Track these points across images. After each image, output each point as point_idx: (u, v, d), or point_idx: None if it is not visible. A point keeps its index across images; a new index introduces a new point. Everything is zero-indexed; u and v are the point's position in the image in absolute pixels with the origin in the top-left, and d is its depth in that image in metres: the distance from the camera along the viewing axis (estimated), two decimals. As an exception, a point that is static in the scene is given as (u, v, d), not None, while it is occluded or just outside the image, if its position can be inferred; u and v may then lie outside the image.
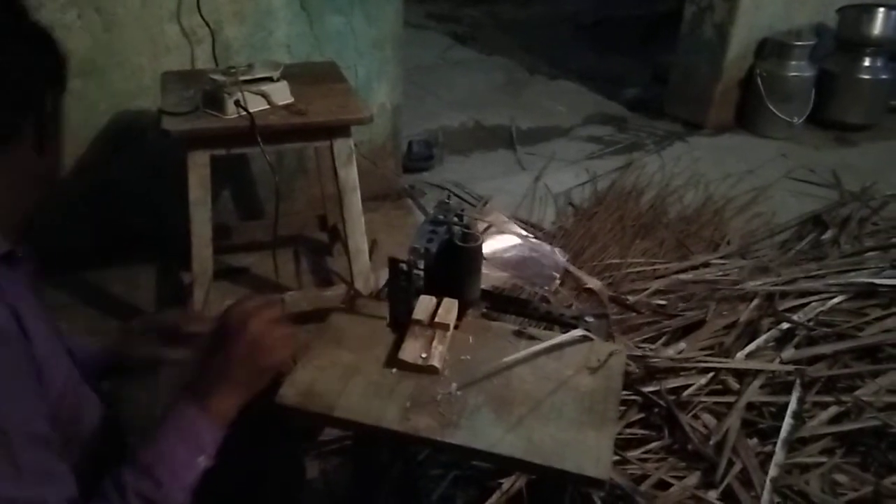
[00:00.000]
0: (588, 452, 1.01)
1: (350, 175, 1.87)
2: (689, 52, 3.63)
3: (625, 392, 1.77)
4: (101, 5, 2.08)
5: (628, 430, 1.72)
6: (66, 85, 0.84)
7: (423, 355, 1.13)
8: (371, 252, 2.35)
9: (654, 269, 2.34)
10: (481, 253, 1.21)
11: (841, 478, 1.65)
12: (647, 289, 2.19)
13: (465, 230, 1.19)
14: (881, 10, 3.50)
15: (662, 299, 2.16)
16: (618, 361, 1.18)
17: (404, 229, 2.62)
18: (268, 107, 1.78)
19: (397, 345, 1.16)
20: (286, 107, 1.80)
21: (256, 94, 1.77)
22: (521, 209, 2.84)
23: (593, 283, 1.29)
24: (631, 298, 2.16)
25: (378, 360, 1.15)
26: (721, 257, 2.43)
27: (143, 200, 2.33)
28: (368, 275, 2.00)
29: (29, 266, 0.87)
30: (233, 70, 1.76)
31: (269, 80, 1.81)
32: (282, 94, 1.82)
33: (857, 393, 1.81)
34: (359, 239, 1.95)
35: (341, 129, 1.81)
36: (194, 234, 1.84)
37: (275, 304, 1.01)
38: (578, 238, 2.56)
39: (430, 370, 1.12)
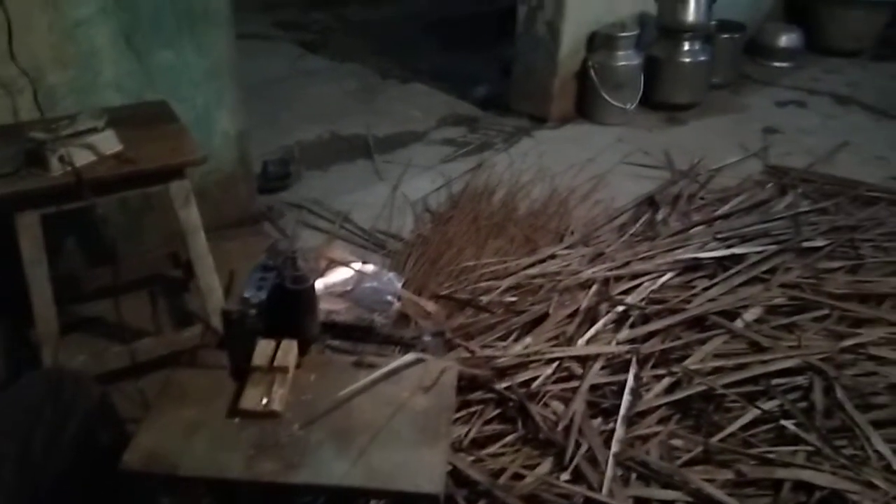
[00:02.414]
0: (423, 471, 1.10)
1: (191, 216, 1.87)
2: (526, 50, 3.81)
3: (480, 392, 1.89)
4: None
5: (487, 428, 1.83)
6: None
7: (264, 401, 1.18)
8: (230, 284, 2.36)
9: (506, 267, 2.47)
10: (314, 292, 1.27)
11: (677, 442, 1.84)
12: (499, 287, 2.33)
13: (295, 273, 1.25)
14: (692, -1, 3.82)
15: (513, 296, 2.31)
16: (449, 377, 1.28)
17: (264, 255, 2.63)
18: (95, 158, 1.75)
19: (239, 393, 1.21)
20: (115, 155, 1.78)
21: (82, 146, 1.73)
22: (380, 220, 2.92)
23: (428, 305, 1.38)
24: (485, 299, 2.29)
25: (221, 412, 1.19)
26: (566, 248, 2.60)
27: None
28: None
29: None
30: (54, 126, 1.72)
31: (94, 130, 1.78)
32: (109, 143, 1.79)
33: (686, 362, 2.01)
34: (209, 277, 1.96)
35: (175, 173, 1.81)
36: (34, 295, 1.79)
37: None
38: (436, 244, 2.67)
39: (272, 415, 1.17)
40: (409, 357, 1.25)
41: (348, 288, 1.43)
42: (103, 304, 2.32)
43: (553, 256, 2.54)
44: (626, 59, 3.75)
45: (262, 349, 1.23)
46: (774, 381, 1.97)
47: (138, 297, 2.35)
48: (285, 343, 1.25)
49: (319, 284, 1.51)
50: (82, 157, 1.73)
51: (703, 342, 2.11)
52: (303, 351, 1.28)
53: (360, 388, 1.21)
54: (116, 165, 1.75)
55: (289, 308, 1.24)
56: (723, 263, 2.46)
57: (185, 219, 1.87)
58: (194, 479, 1.08)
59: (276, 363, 1.21)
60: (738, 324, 2.17)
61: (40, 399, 1.07)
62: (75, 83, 2.24)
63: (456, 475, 1.62)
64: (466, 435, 1.78)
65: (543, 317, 2.14)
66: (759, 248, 2.52)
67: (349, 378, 1.25)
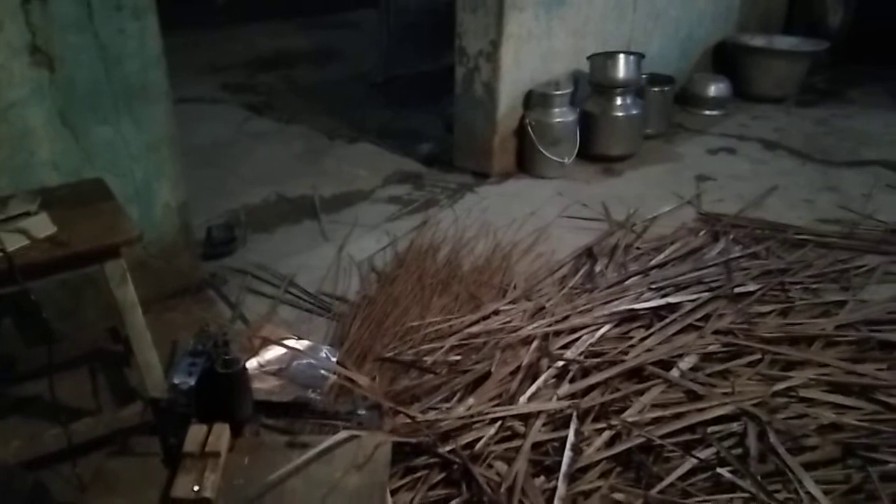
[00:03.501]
0: (356, 552, 1.11)
1: (127, 294, 1.87)
2: (465, 109, 3.93)
3: (424, 457, 1.91)
4: None
5: (432, 493, 1.84)
6: None
7: (196, 488, 1.18)
8: (172, 355, 2.34)
9: (450, 326, 2.51)
10: (245, 374, 1.29)
11: (618, 496, 1.87)
12: (442, 347, 2.36)
13: (225, 357, 1.26)
14: (622, 55, 4.00)
15: (457, 354, 2.34)
16: (383, 453, 1.30)
17: (198, 328, 2.62)
18: (27, 242, 1.75)
19: (171, 481, 1.20)
20: (49, 238, 1.78)
21: (14, 231, 1.73)
22: (326, 282, 2.94)
23: (361, 379, 1.40)
24: (429, 359, 2.32)
25: (153, 502, 1.18)
26: (508, 303, 2.65)
27: None
28: (164, 388, 2.00)
29: None
30: (-17, 211, 1.72)
31: (27, 214, 1.78)
32: (42, 226, 1.79)
33: (625, 414, 2.06)
34: (148, 354, 1.95)
35: (110, 253, 1.81)
36: (-35, 382, 1.76)
37: None
38: (381, 304, 2.70)
39: (204, 503, 1.17)
40: (342, 435, 1.27)
41: (283, 366, 1.45)
42: (42, 384, 2.28)
43: (496, 312, 2.59)
44: (562, 115, 3.89)
45: (194, 435, 1.24)
46: (711, 429, 2.04)
47: (78, 375, 2.32)
48: (217, 427, 1.25)
49: (253, 363, 1.52)
50: (14, 242, 1.72)
51: (641, 393, 2.17)
52: (236, 433, 1.29)
53: (291, 471, 1.22)
54: (50, 249, 1.75)
55: (220, 392, 1.26)
56: (658, 313, 2.54)
57: (122, 297, 1.87)
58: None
59: (207, 448, 1.22)
60: (675, 372, 2.23)
61: None
62: (8, 163, 2.24)
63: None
64: (412, 502, 1.79)
65: (486, 375, 2.17)
66: (693, 296, 2.61)
67: (282, 459, 1.26)
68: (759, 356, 2.34)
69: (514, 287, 2.80)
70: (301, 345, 1.48)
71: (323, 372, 1.44)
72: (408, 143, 4.52)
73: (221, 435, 1.24)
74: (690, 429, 2.04)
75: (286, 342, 1.43)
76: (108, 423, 1.96)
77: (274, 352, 1.52)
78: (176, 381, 1.19)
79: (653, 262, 2.95)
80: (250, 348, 1.35)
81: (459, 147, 4.07)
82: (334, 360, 1.48)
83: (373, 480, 1.23)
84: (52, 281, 1.89)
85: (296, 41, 7.17)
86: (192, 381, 1.19)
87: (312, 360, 1.46)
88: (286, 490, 1.20)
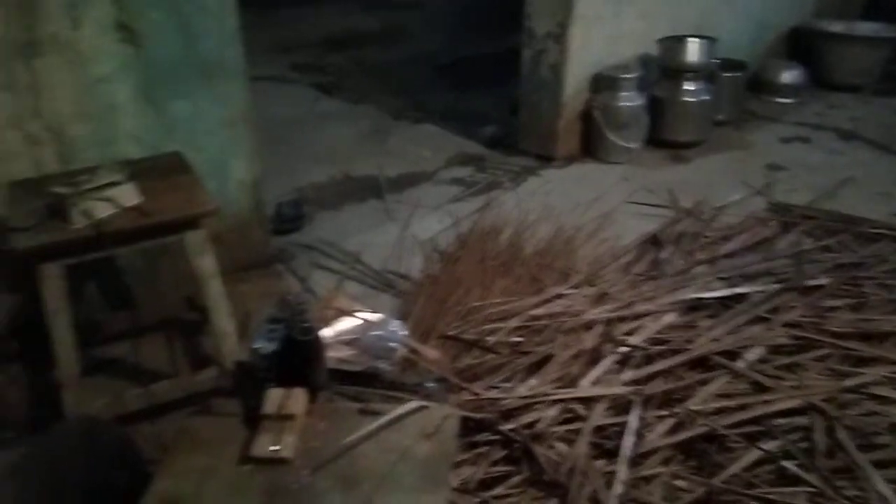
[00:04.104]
0: (424, 517, 1.15)
1: (206, 264, 1.95)
2: (531, 91, 3.91)
3: (486, 433, 1.94)
4: (-67, 120, 2.08)
5: (494, 469, 1.87)
6: None
7: (274, 448, 1.24)
8: (245, 326, 2.43)
9: (512, 307, 2.53)
10: (321, 343, 1.34)
11: (680, 483, 1.87)
12: (504, 328, 2.38)
13: (303, 324, 1.31)
14: (693, 39, 3.91)
15: (519, 336, 2.36)
16: (451, 424, 1.33)
17: (277, 296, 2.70)
18: (115, 211, 1.84)
19: (250, 440, 1.26)
20: (134, 208, 1.87)
21: (102, 200, 1.82)
22: (390, 261, 2.99)
23: (429, 353, 1.44)
24: (491, 339, 2.34)
25: (233, 459, 1.25)
26: (571, 287, 2.65)
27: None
28: (238, 355, 2.08)
29: None
30: (75, 180, 1.81)
31: (114, 184, 1.87)
32: (128, 196, 1.88)
33: (688, 403, 2.05)
34: (224, 322, 2.03)
35: (190, 224, 1.89)
36: (56, 342, 1.87)
37: None
38: (444, 284, 2.73)
39: (282, 462, 1.23)
40: (412, 405, 1.30)
41: (355, 336, 1.50)
42: (122, 347, 2.40)
43: (558, 296, 2.59)
44: (630, 99, 3.83)
45: (273, 397, 1.29)
46: (776, 422, 2.00)
47: (156, 340, 2.43)
48: (295, 391, 1.31)
49: (328, 333, 1.57)
50: (103, 210, 1.82)
51: (705, 383, 2.15)
52: (311, 398, 1.34)
53: (364, 436, 1.26)
54: (135, 218, 1.83)
55: (297, 358, 1.31)
56: (725, 303, 2.50)
57: (201, 267, 1.95)
58: (207, 525, 1.13)
59: (285, 411, 1.27)
60: (741, 364, 2.20)
61: (74, 447, 1.14)
62: (96, 136, 2.34)
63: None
64: (473, 476, 1.82)
65: (548, 358, 2.18)
66: (762, 288, 2.56)
67: (355, 425, 1.30)
68: (828, 351, 2.28)
69: (577, 272, 2.79)
70: (373, 317, 1.52)
71: (392, 344, 1.48)
72: (471, 125, 4.53)
73: (299, 399, 1.30)
74: (755, 420, 2.01)
75: (358, 313, 1.48)
76: (185, 385, 2.05)
77: (346, 323, 1.57)
78: (256, 346, 1.24)
79: (721, 252, 2.89)
80: (324, 319, 1.39)
81: (524, 130, 4.05)
82: (404, 333, 1.51)
83: (441, 450, 1.27)
84: (133, 250, 1.99)
85: (364, 21, 7.22)
86: (271, 347, 1.24)
87: (382, 333, 1.51)
88: (359, 454, 1.25)
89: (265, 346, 1.28)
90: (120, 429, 1.32)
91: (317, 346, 1.31)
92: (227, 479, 1.20)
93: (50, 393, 2.20)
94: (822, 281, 2.64)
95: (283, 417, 1.26)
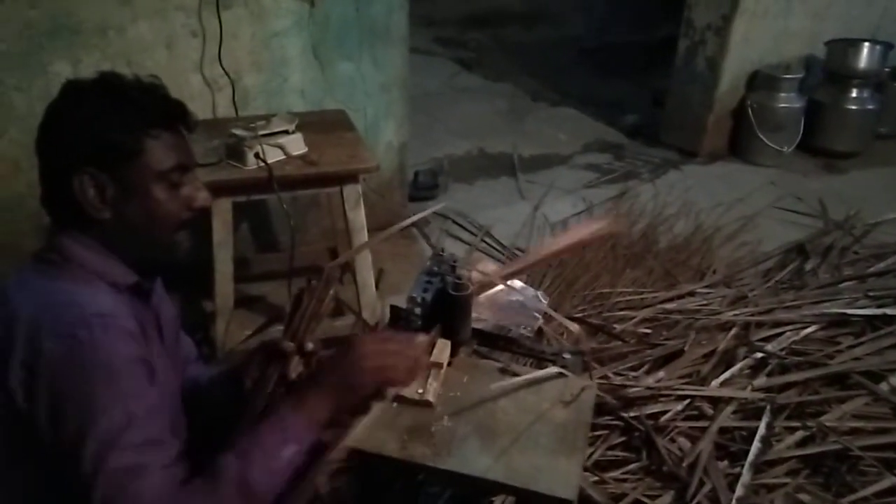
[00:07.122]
0: (559, 477, 1.18)
1: (358, 217, 2.06)
2: (682, 83, 3.80)
3: (607, 417, 1.94)
4: (132, 59, 2.28)
5: (610, 453, 1.88)
6: (190, 126, 1.04)
7: (420, 391, 1.30)
8: (378, 282, 2.53)
9: (642, 299, 2.50)
10: (471, 300, 1.39)
11: (804, 497, 1.80)
12: (633, 317, 2.36)
13: (457, 280, 1.36)
14: (866, 44, 3.66)
15: (647, 328, 2.33)
16: (588, 396, 1.35)
17: (409, 258, 2.81)
18: (284, 157, 1.97)
19: (398, 382, 1.33)
20: (300, 157, 1.99)
21: (274, 146, 1.95)
22: (519, 238, 3.02)
23: (571, 325, 1.45)
24: (618, 327, 2.33)
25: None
26: (706, 286, 2.58)
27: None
28: (375, 306, 2.18)
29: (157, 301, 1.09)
30: (252, 125, 1.95)
31: (286, 132, 2.00)
32: (296, 145, 2.00)
33: (822, 418, 1.97)
34: (366, 274, 2.14)
35: (350, 178, 1.99)
36: (217, 272, 2.03)
37: (406, 340, 1.17)
38: (573, 267, 2.74)
39: (426, 404, 1.29)
40: (552, 370, 1.33)
41: (498, 300, 1.54)
42: (267, 286, 2.57)
43: (692, 294, 2.53)
44: (788, 101, 3.65)
45: (421, 345, 1.35)
46: (918, 452, 1.89)
47: (297, 285, 2.57)
48: (441, 342, 1.36)
49: (475, 293, 1.62)
50: (273, 155, 1.95)
51: (842, 400, 2.05)
52: (455, 352, 1.39)
53: (504, 391, 1.30)
54: (302, 166, 1.96)
55: (448, 311, 1.36)
56: (872, 322, 2.36)
57: (353, 220, 2.06)
58: (356, 450, 1.21)
59: (432, 359, 1.33)
60: (883, 387, 2.08)
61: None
62: (266, 86, 2.50)
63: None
64: (590, 456, 1.84)
65: (678, 353, 2.15)
66: (916, 312, 2.39)
67: (495, 381, 1.34)
68: None
69: (714, 272, 2.72)
70: (515, 284, 1.56)
71: (534, 313, 1.51)
72: (611, 112, 4.46)
73: (444, 349, 1.35)
74: (893, 446, 1.91)
75: (503, 278, 1.52)
76: (324, 330, 2.16)
77: (490, 286, 1.61)
78: (413, 294, 1.31)
79: (871, 269, 2.73)
80: (472, 280, 1.44)
81: (668, 121, 3.95)
82: (545, 302, 1.54)
83: (578, 419, 1.29)
84: (288, 200, 2.12)
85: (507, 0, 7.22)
86: (426, 296, 1.31)
87: (524, 300, 1.54)
88: (497, 409, 1.29)
89: (420, 294, 1.34)
90: None
91: (467, 302, 1.36)
92: (376, 412, 1.27)
93: (202, 321, 2.40)
94: None
95: (430, 365, 1.32)
